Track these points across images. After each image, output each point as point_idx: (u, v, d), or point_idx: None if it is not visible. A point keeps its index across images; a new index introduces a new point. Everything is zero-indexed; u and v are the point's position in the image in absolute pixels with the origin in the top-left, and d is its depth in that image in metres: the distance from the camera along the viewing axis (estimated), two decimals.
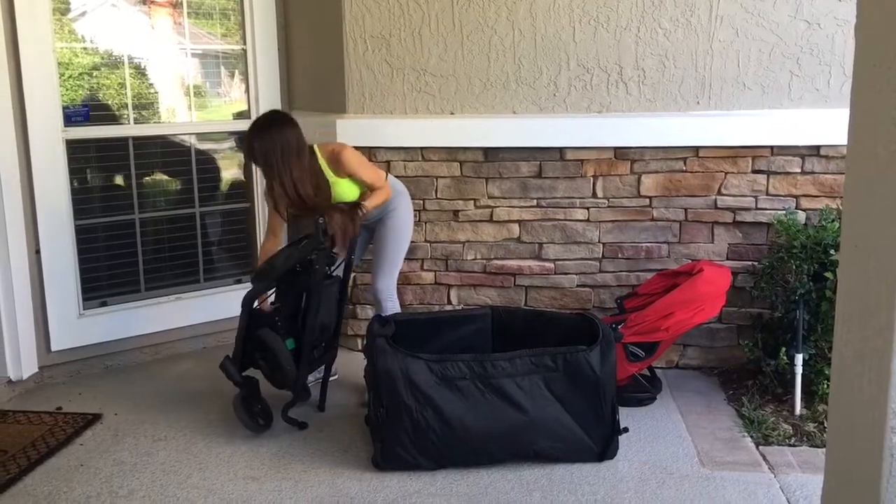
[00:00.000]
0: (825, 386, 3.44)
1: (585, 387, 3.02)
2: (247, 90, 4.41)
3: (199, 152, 4.33)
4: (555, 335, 3.22)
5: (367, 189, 3.53)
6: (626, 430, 3.14)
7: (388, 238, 3.60)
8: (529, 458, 3.05)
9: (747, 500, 2.82)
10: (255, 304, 3.38)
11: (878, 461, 1.44)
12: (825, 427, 3.21)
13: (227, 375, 3.29)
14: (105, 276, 4.11)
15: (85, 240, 4.00)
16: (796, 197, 3.85)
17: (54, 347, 3.91)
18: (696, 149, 3.88)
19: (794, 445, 3.23)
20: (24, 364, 3.78)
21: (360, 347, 4.24)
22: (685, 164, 3.90)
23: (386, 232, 3.61)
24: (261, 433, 3.34)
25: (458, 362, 2.98)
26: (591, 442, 3.06)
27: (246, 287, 4.47)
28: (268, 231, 3.67)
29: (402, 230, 3.65)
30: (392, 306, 3.61)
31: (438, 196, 4.09)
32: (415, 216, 4.02)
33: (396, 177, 4.04)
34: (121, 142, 4.09)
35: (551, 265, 4.07)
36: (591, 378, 3.01)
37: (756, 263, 3.86)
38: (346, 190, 3.49)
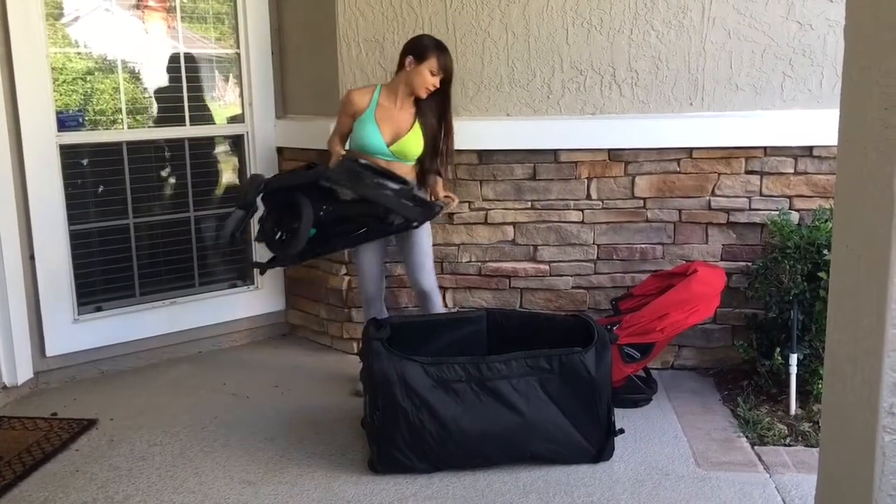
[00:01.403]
0: (820, 386, 3.45)
1: (581, 388, 3.02)
2: (241, 94, 4.41)
3: (194, 156, 4.33)
4: (550, 337, 3.22)
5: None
6: (621, 431, 3.15)
7: (424, 235, 3.64)
8: (526, 461, 3.05)
9: (743, 501, 2.83)
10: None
11: (871, 460, 1.44)
12: (820, 427, 3.22)
13: (250, 183, 3.31)
14: (100, 282, 4.11)
15: (79, 245, 3.99)
16: (790, 197, 3.86)
17: (49, 353, 3.91)
18: (690, 150, 3.89)
19: (789, 445, 3.24)
20: (19, 369, 3.77)
21: (355, 351, 4.24)
22: (679, 165, 3.91)
23: (421, 230, 3.62)
24: (217, 244, 3.35)
25: (453, 365, 2.98)
26: (586, 443, 3.06)
27: (241, 290, 4.49)
28: (339, 133, 3.69)
29: (429, 227, 3.71)
30: (440, 300, 3.71)
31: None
32: None
33: None
34: (115, 146, 4.08)
35: (546, 267, 4.08)
36: (587, 380, 3.01)
37: (750, 264, 3.87)
38: (415, 144, 3.58)
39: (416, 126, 3.56)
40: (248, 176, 3.34)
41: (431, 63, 3.48)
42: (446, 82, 3.56)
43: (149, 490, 2.95)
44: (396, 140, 3.54)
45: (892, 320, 1.38)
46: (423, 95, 3.53)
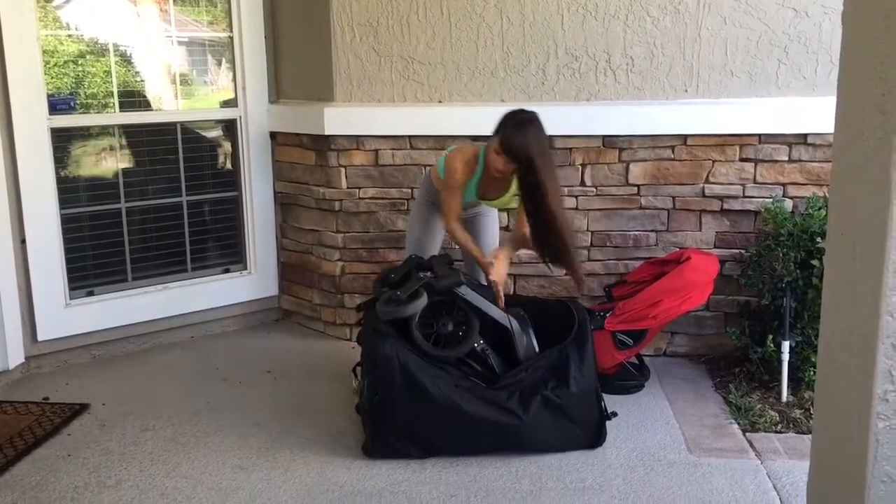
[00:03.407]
0: (811, 373, 3.46)
1: (572, 380, 3.04)
2: (233, 78, 4.38)
3: (186, 140, 4.30)
4: (542, 323, 3.24)
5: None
6: (614, 414, 3.16)
7: (493, 220, 3.63)
8: (520, 449, 3.06)
9: (734, 487, 2.84)
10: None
11: (865, 446, 1.45)
12: (811, 414, 3.23)
13: (450, 275, 3.08)
14: (91, 266, 4.09)
15: (71, 229, 3.97)
16: (783, 185, 3.87)
17: (41, 337, 3.89)
18: (684, 137, 3.88)
19: (780, 432, 3.26)
20: (11, 354, 3.76)
21: (347, 336, 4.24)
22: (673, 152, 3.91)
23: (490, 214, 3.61)
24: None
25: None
26: (580, 430, 3.07)
27: (234, 276, 4.48)
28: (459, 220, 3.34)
29: (496, 212, 3.68)
30: None
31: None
32: (403, 205, 4.04)
33: (385, 166, 4.06)
34: (107, 130, 4.05)
35: None
36: (577, 371, 3.05)
37: (743, 251, 3.88)
38: (502, 203, 3.48)
39: (512, 189, 3.27)
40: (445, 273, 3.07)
41: (495, 142, 3.03)
42: (522, 170, 3.00)
43: (141, 475, 2.95)
44: (486, 198, 3.38)
45: (888, 308, 1.38)
46: (494, 175, 3.13)
